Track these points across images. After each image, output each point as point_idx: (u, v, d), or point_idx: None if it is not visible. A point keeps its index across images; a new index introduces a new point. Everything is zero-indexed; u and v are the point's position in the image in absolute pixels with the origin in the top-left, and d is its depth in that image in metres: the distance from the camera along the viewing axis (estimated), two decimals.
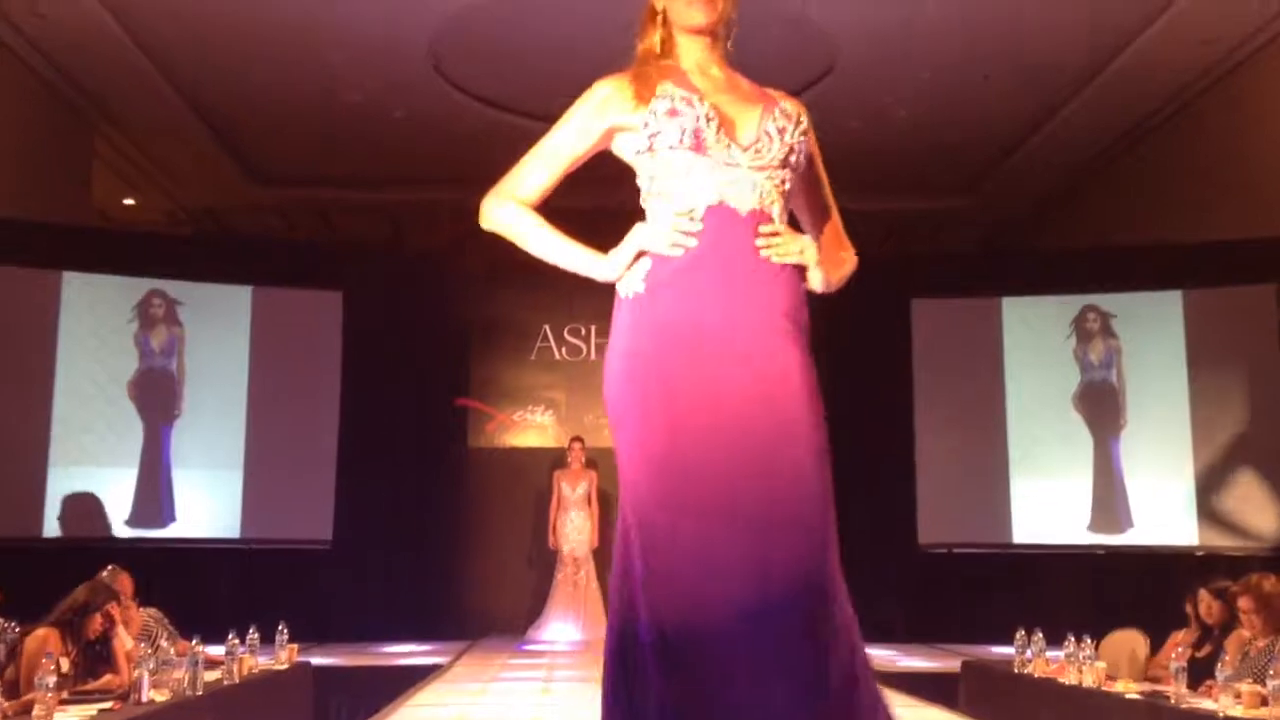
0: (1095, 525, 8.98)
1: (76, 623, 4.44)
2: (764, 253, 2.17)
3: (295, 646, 6.10)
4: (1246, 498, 8.40)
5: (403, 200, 11.54)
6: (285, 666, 5.89)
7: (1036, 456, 9.17)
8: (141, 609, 5.61)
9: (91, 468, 8.61)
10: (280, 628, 5.92)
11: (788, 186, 2.24)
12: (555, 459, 10.35)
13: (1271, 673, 3.94)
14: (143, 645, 4.70)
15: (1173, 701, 4.42)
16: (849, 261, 2.40)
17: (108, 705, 4.15)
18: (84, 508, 8.54)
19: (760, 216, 2.19)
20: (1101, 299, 9.13)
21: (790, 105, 2.29)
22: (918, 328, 9.44)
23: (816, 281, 2.25)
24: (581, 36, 8.56)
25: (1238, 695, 4.16)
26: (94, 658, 4.56)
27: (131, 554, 7.21)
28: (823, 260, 2.25)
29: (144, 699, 4.23)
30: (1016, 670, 5.67)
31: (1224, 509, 8.50)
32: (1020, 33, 8.29)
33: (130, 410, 8.80)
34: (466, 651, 8.55)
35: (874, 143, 9.83)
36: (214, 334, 9.13)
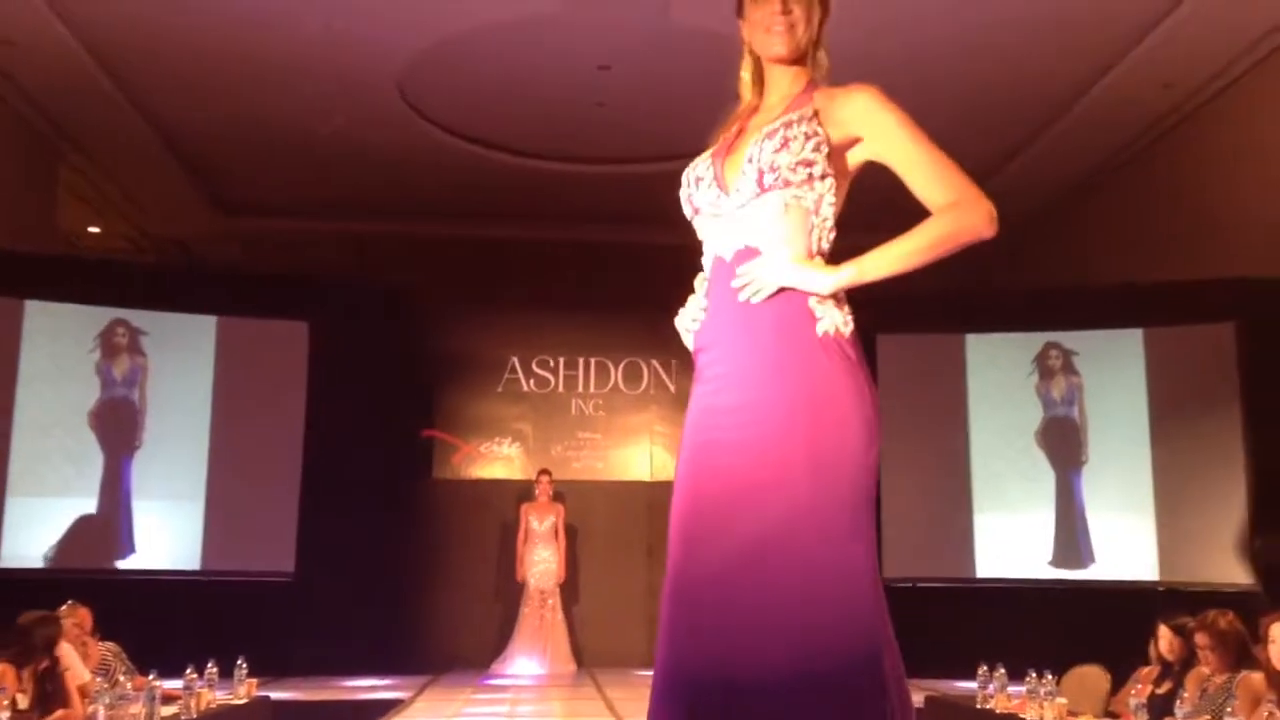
0: (1057, 560, 9.03)
1: (26, 657, 4.37)
2: (741, 296, 2.13)
3: (254, 681, 6.01)
4: (1207, 533, 8.47)
5: (370, 231, 11.53)
6: (244, 701, 5.81)
7: (999, 492, 9.23)
8: (100, 643, 5.54)
9: (50, 498, 8.50)
10: (239, 662, 5.85)
11: (796, 199, 2.13)
12: (522, 491, 10.32)
13: (1229, 710, 3.97)
14: (99, 680, 4.63)
15: None
16: (929, 229, 2.11)
17: None
18: (42, 539, 8.42)
19: (744, 256, 2.15)
20: (1064, 336, 9.23)
21: (796, 114, 2.18)
22: (883, 363, 9.49)
23: (816, 286, 2.10)
24: (550, 70, 8.64)
25: None
26: (48, 694, 4.48)
27: (90, 586, 7.09)
28: (822, 256, 2.14)
29: None
30: (979, 705, 5.69)
31: (1185, 544, 8.57)
32: (981, 76, 8.42)
33: (91, 440, 8.70)
34: (429, 686, 8.47)
35: None
36: (178, 364, 9.05)
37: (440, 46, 8.21)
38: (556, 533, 9.87)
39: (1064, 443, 9.14)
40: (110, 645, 5.66)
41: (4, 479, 8.26)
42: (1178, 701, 4.34)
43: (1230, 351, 8.35)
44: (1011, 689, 5.57)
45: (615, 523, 10.58)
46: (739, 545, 2.01)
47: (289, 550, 9.04)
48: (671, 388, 10.94)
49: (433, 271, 10.98)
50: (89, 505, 8.64)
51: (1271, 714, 3.76)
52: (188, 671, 5.12)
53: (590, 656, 10.06)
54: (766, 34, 2.24)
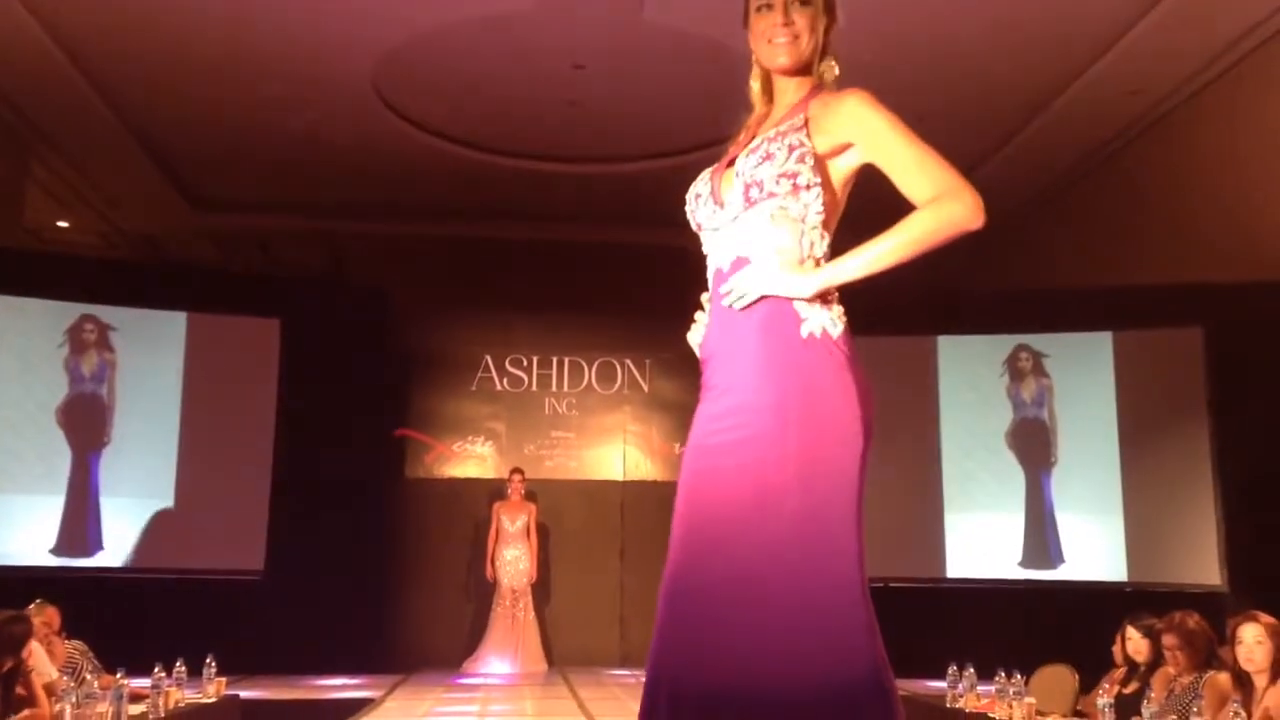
0: (1027, 561, 9.10)
1: None
2: (724, 303, 2.17)
3: (224, 680, 5.98)
4: (1174, 534, 8.56)
5: (343, 228, 11.47)
6: (213, 700, 5.77)
7: (970, 492, 9.29)
8: (66, 641, 5.49)
9: (17, 494, 8.42)
10: (208, 660, 5.81)
11: (782, 209, 2.15)
12: (495, 490, 10.30)
13: (1195, 710, 4.01)
14: (66, 679, 4.59)
15: None
16: (909, 225, 2.10)
17: None
18: (8, 535, 8.34)
19: (738, 267, 2.18)
20: (1034, 339, 9.30)
21: (786, 124, 2.20)
22: None
23: (797, 290, 2.12)
24: (524, 68, 8.62)
25: None
26: (15, 694, 4.44)
27: (57, 583, 7.04)
28: (802, 260, 2.15)
29: None
30: (949, 705, 5.72)
31: (1152, 545, 8.65)
32: (951, 80, 8.46)
33: (58, 436, 8.62)
34: (400, 685, 8.44)
35: None
36: (147, 360, 8.98)
37: (413, 43, 8.18)
38: (529, 532, 9.85)
39: (1034, 444, 9.21)
40: (77, 644, 5.61)
41: None
42: (1145, 702, 4.37)
43: (1198, 355, 8.44)
44: (981, 688, 5.61)
45: (588, 522, 10.57)
46: (734, 554, 2.04)
47: (259, 549, 8.99)
48: (645, 387, 10.94)
49: (406, 269, 10.93)
50: (56, 502, 8.56)
51: (1237, 713, 3.80)
52: (156, 670, 5.08)
53: (562, 656, 10.05)
54: (770, 45, 2.27)
